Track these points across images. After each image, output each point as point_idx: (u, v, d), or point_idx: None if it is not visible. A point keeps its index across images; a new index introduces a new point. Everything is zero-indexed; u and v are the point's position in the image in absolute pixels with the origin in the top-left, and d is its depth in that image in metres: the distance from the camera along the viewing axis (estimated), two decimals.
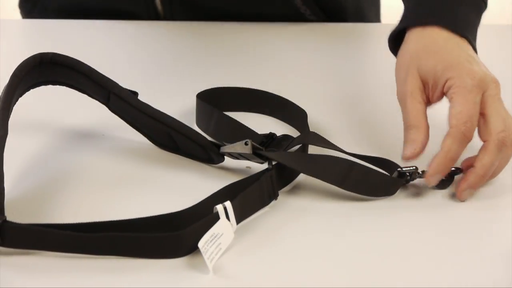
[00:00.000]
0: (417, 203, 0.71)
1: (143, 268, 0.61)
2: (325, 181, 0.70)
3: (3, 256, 0.62)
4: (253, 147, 0.72)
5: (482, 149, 0.72)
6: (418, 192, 0.73)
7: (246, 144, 0.72)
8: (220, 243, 0.63)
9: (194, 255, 0.63)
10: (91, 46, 1.05)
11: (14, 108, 0.71)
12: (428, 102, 0.76)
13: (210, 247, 0.62)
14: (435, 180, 0.71)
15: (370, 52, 1.10)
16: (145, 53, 1.04)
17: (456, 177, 0.73)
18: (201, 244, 0.62)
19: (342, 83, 0.97)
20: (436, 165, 0.71)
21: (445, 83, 0.74)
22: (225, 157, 0.75)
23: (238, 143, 0.72)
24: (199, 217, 0.64)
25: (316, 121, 0.84)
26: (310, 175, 0.71)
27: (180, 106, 0.85)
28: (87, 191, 0.72)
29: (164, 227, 0.64)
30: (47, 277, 0.61)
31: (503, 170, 0.74)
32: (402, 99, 0.76)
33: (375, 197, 0.71)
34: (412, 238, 0.67)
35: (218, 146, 0.75)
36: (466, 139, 0.71)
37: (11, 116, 0.70)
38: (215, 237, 0.63)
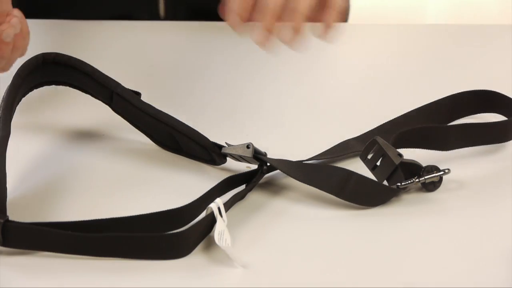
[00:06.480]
0: (415, 204, 0.71)
1: (143, 268, 0.62)
2: (322, 190, 0.70)
3: (3, 256, 0.62)
4: (254, 151, 0.72)
5: None
6: (415, 194, 0.72)
7: (248, 147, 0.72)
8: (226, 239, 0.63)
9: (193, 255, 0.63)
10: (94, 46, 1.05)
11: (16, 108, 0.71)
12: None
13: (224, 243, 0.63)
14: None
15: (371, 52, 1.11)
16: (147, 54, 1.04)
17: (445, 177, 0.72)
18: (217, 241, 0.62)
19: (339, 83, 0.98)
20: None
21: None
22: (227, 158, 0.75)
23: (240, 145, 0.73)
24: (196, 214, 0.65)
25: (319, 122, 0.84)
26: (307, 184, 0.70)
27: (183, 107, 0.85)
28: (90, 191, 0.72)
29: (164, 224, 0.64)
30: (48, 277, 0.61)
31: (503, 171, 0.74)
32: None
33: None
34: (412, 238, 0.67)
35: (220, 147, 0.75)
36: None
37: (13, 116, 0.70)
38: (221, 234, 0.63)
